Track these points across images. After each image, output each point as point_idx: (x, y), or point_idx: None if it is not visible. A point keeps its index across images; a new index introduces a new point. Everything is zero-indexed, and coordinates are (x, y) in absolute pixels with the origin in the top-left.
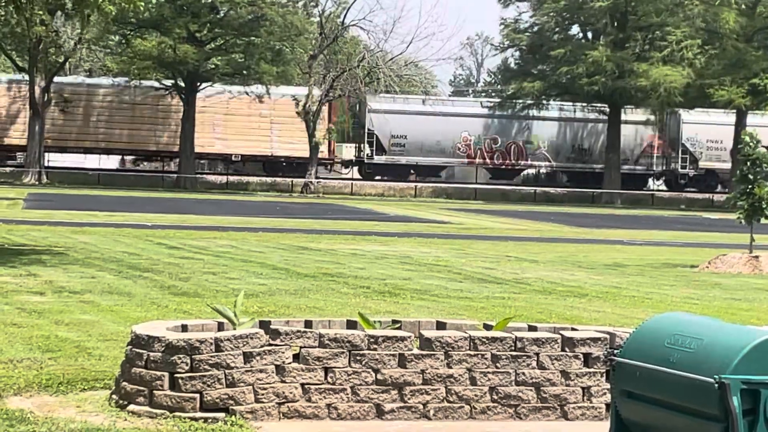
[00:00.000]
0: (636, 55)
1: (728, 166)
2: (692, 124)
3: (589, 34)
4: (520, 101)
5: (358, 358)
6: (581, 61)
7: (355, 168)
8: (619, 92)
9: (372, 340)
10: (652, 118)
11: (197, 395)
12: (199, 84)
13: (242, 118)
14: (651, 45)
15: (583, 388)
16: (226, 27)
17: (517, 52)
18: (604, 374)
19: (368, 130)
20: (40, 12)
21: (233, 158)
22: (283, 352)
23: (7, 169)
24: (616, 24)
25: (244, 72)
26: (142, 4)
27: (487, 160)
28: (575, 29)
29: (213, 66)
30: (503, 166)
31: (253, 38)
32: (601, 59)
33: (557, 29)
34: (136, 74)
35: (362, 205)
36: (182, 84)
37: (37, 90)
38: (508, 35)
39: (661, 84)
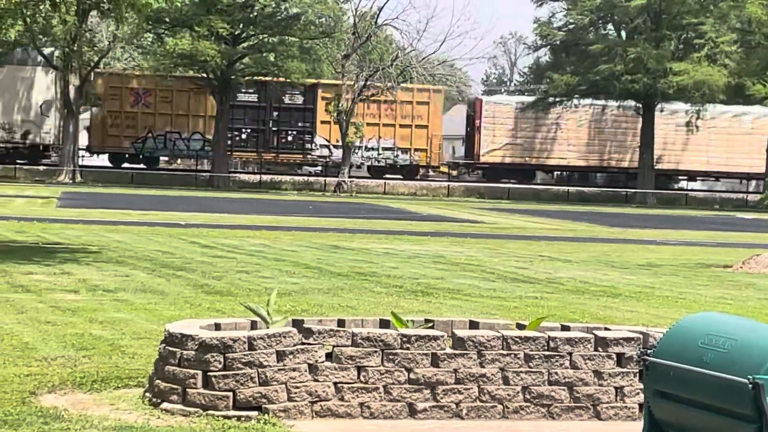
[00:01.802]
0: (672, 54)
1: None
2: None
3: (623, 33)
4: (551, 98)
5: (391, 357)
6: (619, 58)
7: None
8: (654, 91)
9: (405, 339)
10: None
11: (230, 393)
12: (231, 81)
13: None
14: (686, 44)
15: (616, 388)
16: (258, 25)
17: (550, 51)
18: (638, 374)
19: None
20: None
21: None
22: (316, 351)
23: (41, 168)
24: (651, 23)
25: (274, 70)
26: (179, 1)
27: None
28: (609, 28)
29: (244, 65)
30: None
31: (285, 37)
32: (643, 56)
33: (591, 28)
34: (169, 71)
35: (395, 204)
36: (215, 82)
37: (72, 89)
38: (541, 33)
39: (705, 83)
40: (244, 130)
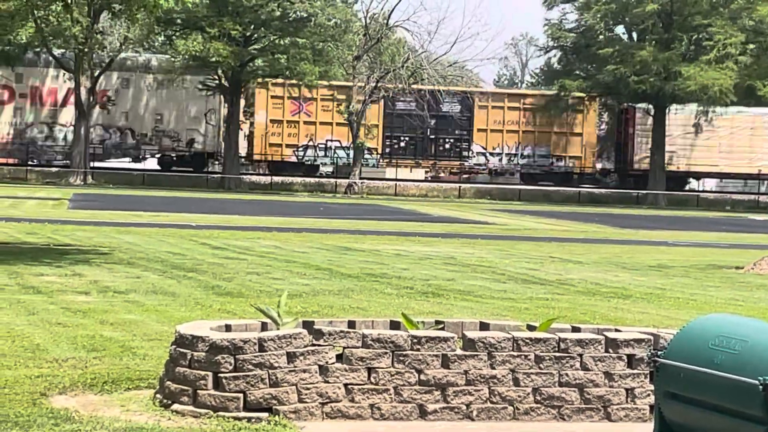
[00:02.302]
0: (682, 56)
1: None
2: None
3: (634, 35)
4: (563, 101)
5: (402, 358)
6: (628, 61)
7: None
8: (665, 93)
9: (415, 340)
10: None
11: (241, 395)
12: (243, 84)
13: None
14: (697, 46)
15: (626, 390)
16: (269, 27)
17: (561, 53)
18: (648, 375)
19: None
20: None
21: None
22: (326, 353)
23: (53, 170)
24: (662, 25)
25: (286, 72)
26: (190, 2)
27: None
28: (620, 29)
29: (255, 67)
30: None
31: (297, 39)
32: (648, 59)
33: (601, 30)
34: (180, 73)
35: (406, 205)
36: (227, 84)
37: (83, 90)
38: (552, 35)
39: (710, 87)
40: (402, 138)
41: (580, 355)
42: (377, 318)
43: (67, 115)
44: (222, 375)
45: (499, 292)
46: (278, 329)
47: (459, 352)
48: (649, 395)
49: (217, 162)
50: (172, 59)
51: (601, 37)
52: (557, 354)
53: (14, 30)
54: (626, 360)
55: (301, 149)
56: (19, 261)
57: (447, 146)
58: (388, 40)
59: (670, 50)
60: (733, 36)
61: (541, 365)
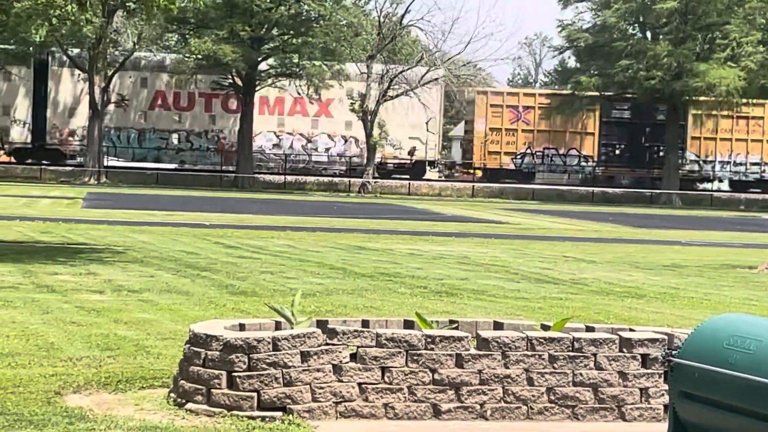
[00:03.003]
0: (696, 54)
1: None
2: None
3: (648, 34)
4: (578, 101)
5: (415, 357)
6: (642, 57)
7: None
8: (679, 92)
9: (429, 339)
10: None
11: (255, 394)
12: (256, 83)
13: None
14: (711, 44)
15: (641, 389)
16: (281, 27)
17: (576, 53)
18: (663, 375)
19: None
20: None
21: None
22: (340, 352)
23: (67, 168)
24: (677, 23)
25: (298, 72)
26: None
27: None
28: (635, 29)
29: (268, 66)
30: None
31: (308, 38)
32: (660, 54)
33: (617, 29)
34: (192, 73)
35: (419, 205)
36: (240, 83)
37: (97, 90)
38: (568, 35)
39: (718, 86)
40: (618, 146)
41: (594, 355)
42: (391, 317)
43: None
44: (236, 374)
45: (512, 291)
46: (292, 328)
47: (473, 351)
48: (663, 395)
49: (436, 169)
50: (186, 58)
51: (615, 35)
52: (571, 354)
53: (29, 30)
54: (640, 360)
55: (519, 157)
56: (33, 260)
57: (661, 154)
58: (402, 39)
59: (683, 48)
60: (749, 35)
61: (555, 365)
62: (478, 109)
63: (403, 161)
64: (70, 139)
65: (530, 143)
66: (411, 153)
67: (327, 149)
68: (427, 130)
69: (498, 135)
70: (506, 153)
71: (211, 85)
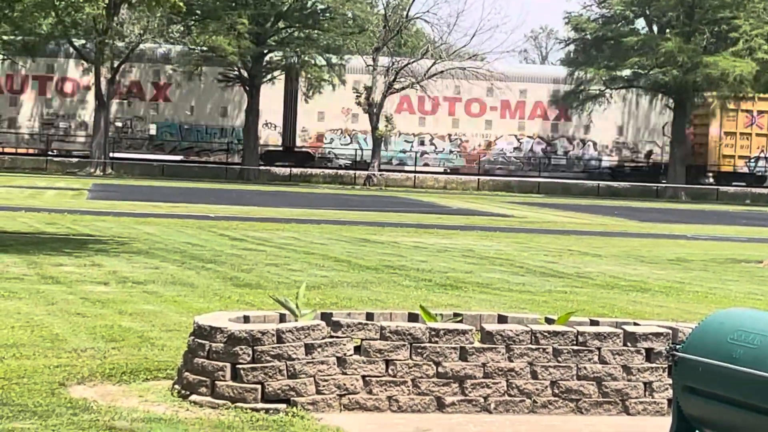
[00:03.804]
0: (704, 48)
1: None
2: None
3: (655, 27)
4: (582, 93)
5: (420, 350)
6: (652, 52)
7: None
8: (687, 85)
9: (433, 333)
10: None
11: (259, 386)
12: (263, 76)
13: None
14: (718, 38)
15: (644, 383)
16: (288, 19)
17: (581, 46)
18: (666, 369)
19: None
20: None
21: None
22: (344, 344)
23: (73, 160)
24: (683, 17)
25: (302, 65)
26: None
27: None
28: (641, 22)
29: (271, 60)
30: None
31: (314, 31)
32: (674, 50)
33: (623, 22)
34: (197, 64)
35: (425, 197)
36: (246, 75)
37: (103, 81)
38: (574, 27)
39: (731, 74)
40: None
41: (599, 349)
42: (395, 310)
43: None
44: (240, 366)
45: (517, 284)
46: (296, 321)
47: (477, 344)
48: (667, 389)
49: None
50: (190, 49)
51: (621, 28)
52: (575, 347)
53: (35, 21)
54: (644, 354)
55: (752, 160)
56: (38, 251)
57: None
58: (408, 32)
59: (691, 42)
60: (758, 27)
61: (559, 358)
62: (713, 114)
63: (639, 164)
64: (318, 143)
65: (764, 147)
66: (648, 156)
67: (566, 152)
68: (663, 134)
69: (732, 139)
70: (741, 156)
71: (217, 77)
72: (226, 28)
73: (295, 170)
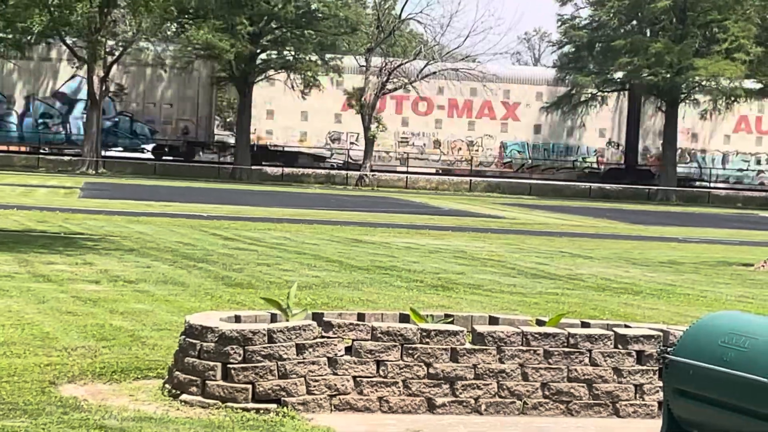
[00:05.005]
0: (695, 51)
1: None
2: None
3: (647, 31)
4: (575, 98)
5: (411, 351)
6: (642, 54)
7: None
8: (678, 87)
9: (424, 334)
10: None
11: (249, 386)
12: (255, 76)
13: None
14: (709, 41)
15: (635, 386)
16: (281, 20)
17: (574, 49)
18: (657, 372)
19: None
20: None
21: None
22: (335, 345)
23: (65, 158)
24: (675, 20)
25: (296, 65)
26: None
27: None
28: (633, 24)
29: (265, 59)
30: None
31: (307, 32)
32: (662, 51)
33: (615, 26)
34: (189, 62)
35: (417, 198)
36: (237, 75)
37: (95, 80)
38: (566, 32)
39: (720, 75)
40: None
41: (590, 351)
42: (387, 311)
43: None
44: (231, 366)
45: (509, 286)
46: (288, 321)
47: (468, 346)
48: (657, 392)
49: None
50: (184, 48)
51: (614, 33)
52: (566, 349)
53: (27, 18)
54: (635, 356)
55: None
56: (29, 249)
57: None
58: (401, 33)
59: (683, 45)
60: (746, 31)
61: (550, 360)
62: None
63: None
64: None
65: None
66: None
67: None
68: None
69: None
70: None
71: (210, 75)
72: (224, 28)
73: (287, 170)
